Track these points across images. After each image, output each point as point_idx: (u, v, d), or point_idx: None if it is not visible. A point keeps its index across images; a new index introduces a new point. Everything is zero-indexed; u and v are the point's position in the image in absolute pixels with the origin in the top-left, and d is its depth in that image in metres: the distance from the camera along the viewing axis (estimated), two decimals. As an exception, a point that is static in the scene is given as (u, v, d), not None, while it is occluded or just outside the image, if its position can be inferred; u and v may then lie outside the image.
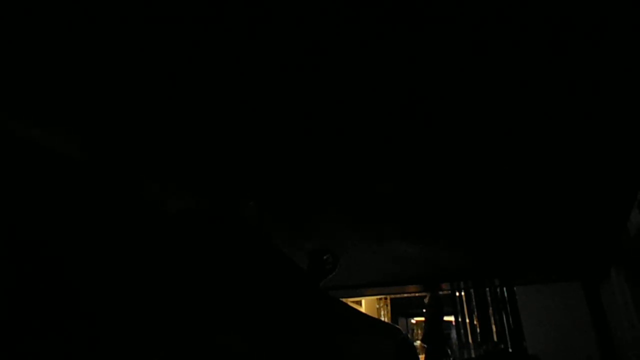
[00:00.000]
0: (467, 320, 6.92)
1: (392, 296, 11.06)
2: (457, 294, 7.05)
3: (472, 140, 2.49)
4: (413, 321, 14.04)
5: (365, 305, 11.15)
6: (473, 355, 6.65)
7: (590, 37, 1.69)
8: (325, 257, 2.01)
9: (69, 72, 1.91)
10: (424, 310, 6.56)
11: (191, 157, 2.72)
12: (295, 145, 2.57)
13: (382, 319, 10.86)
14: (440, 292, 6.42)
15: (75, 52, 1.78)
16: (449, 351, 6.11)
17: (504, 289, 6.62)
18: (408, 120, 2.30)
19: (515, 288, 6.56)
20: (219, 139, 2.52)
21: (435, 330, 5.76)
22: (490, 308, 6.65)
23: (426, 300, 6.43)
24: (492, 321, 6.57)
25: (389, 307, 11.72)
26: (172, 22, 1.63)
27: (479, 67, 1.88)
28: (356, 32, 1.69)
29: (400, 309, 12.70)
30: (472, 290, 6.89)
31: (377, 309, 11.45)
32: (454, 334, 9.48)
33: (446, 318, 9.99)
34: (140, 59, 1.83)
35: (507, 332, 6.34)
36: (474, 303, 6.86)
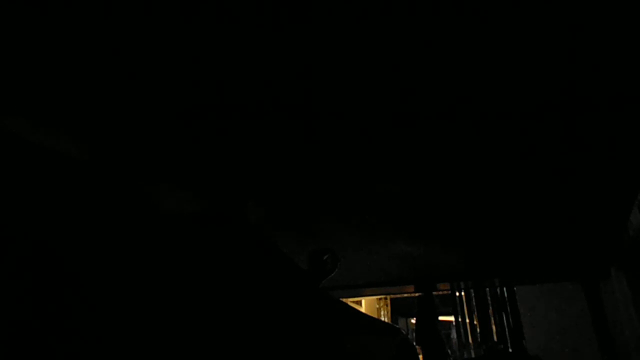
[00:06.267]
0: (467, 320, 6.92)
1: (392, 296, 11.05)
2: (457, 294, 7.05)
3: (471, 141, 2.49)
4: (413, 321, 14.04)
5: (365, 305, 11.14)
6: (473, 355, 6.65)
7: (590, 42, 1.69)
8: (325, 257, 2.00)
9: (70, 73, 1.91)
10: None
11: (197, 159, 2.73)
12: (296, 147, 2.57)
13: (382, 319, 10.85)
14: (435, 293, 6.39)
15: (78, 53, 1.78)
16: (449, 351, 6.09)
17: (504, 289, 6.62)
18: (408, 122, 2.30)
19: (515, 288, 6.56)
20: (224, 143, 2.52)
21: (428, 331, 5.73)
22: (490, 308, 6.65)
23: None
24: (492, 321, 6.57)
25: (389, 307, 11.71)
26: (178, 23, 1.63)
27: (478, 64, 1.88)
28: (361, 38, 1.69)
29: (400, 309, 12.69)
30: (472, 290, 6.89)
31: (377, 309, 11.43)
32: (454, 334, 9.48)
33: (446, 318, 10.00)
34: (144, 59, 1.83)
35: (507, 332, 6.33)
36: (474, 303, 6.86)
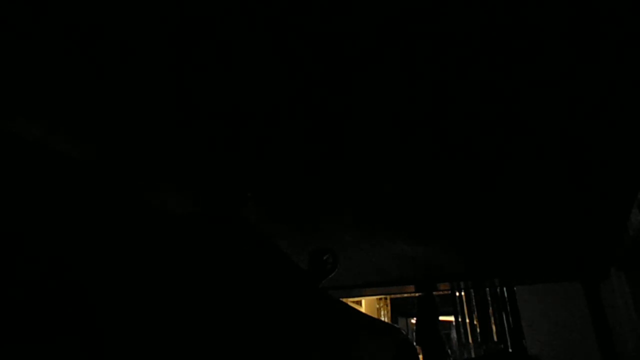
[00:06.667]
0: (467, 320, 6.92)
1: (392, 296, 11.05)
2: (457, 294, 7.06)
3: (471, 142, 2.49)
4: (413, 321, 14.04)
5: (365, 305, 11.14)
6: (473, 355, 6.66)
7: (590, 45, 1.69)
8: (325, 257, 2.00)
9: (71, 74, 1.91)
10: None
11: (198, 160, 2.73)
12: (298, 148, 2.57)
13: (382, 319, 10.85)
14: (435, 293, 6.40)
15: (78, 54, 1.78)
16: (449, 351, 6.10)
17: (504, 289, 6.63)
18: (409, 122, 2.30)
19: (515, 288, 6.56)
20: (226, 144, 2.52)
21: (428, 331, 5.73)
22: (490, 308, 6.66)
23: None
24: (492, 321, 6.57)
25: (389, 307, 11.72)
26: (175, 22, 1.64)
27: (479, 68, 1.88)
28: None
29: (400, 309, 12.70)
30: (472, 290, 6.89)
31: (377, 309, 11.44)
32: (454, 334, 9.49)
33: (446, 318, 10.01)
34: (143, 57, 1.83)
35: (507, 332, 6.34)
36: (474, 303, 6.87)
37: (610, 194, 3.27)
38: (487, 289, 6.71)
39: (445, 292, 7.18)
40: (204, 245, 1.22)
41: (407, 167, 2.85)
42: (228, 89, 2.05)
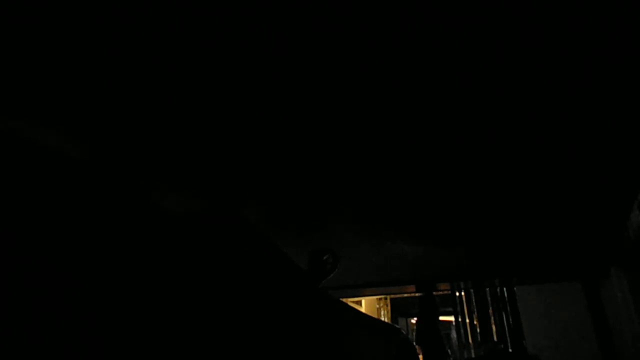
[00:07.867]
0: (467, 320, 6.92)
1: (392, 296, 11.05)
2: (457, 294, 7.05)
3: (471, 141, 2.49)
4: (413, 321, 14.03)
5: (365, 305, 11.13)
6: (473, 355, 6.66)
7: (590, 40, 1.69)
8: (325, 257, 2.01)
9: (70, 72, 1.91)
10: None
11: (199, 159, 2.72)
12: (299, 148, 2.57)
13: (382, 319, 10.84)
14: (434, 293, 6.39)
15: (77, 52, 1.78)
16: (449, 351, 6.09)
17: (504, 289, 6.62)
18: (409, 122, 2.30)
19: (515, 288, 6.56)
20: (227, 144, 2.52)
21: (428, 331, 5.73)
22: (490, 308, 6.66)
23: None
24: (492, 321, 6.57)
25: (389, 307, 11.71)
26: (176, 22, 1.63)
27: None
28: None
29: (400, 309, 12.70)
30: (472, 290, 6.89)
31: (377, 309, 11.43)
32: (454, 334, 9.49)
33: (446, 318, 10.01)
34: (142, 57, 1.83)
35: (507, 332, 6.34)
36: (474, 303, 6.87)
37: (610, 194, 3.27)
38: (487, 289, 6.71)
39: (445, 292, 7.17)
40: (203, 246, 1.22)
41: (408, 167, 2.84)
42: (228, 89, 2.05)
